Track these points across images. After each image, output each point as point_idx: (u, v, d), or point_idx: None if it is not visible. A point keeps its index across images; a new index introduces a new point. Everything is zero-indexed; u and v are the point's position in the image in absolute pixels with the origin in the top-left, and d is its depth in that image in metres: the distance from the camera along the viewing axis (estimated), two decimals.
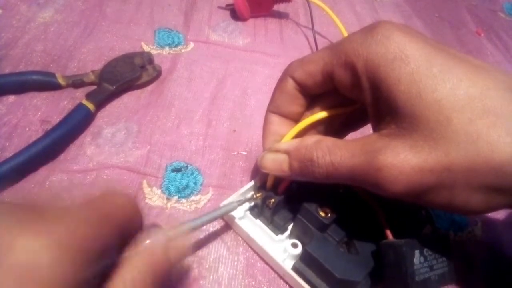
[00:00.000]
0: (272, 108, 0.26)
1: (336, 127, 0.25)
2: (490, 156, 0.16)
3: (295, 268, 0.25)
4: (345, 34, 0.44)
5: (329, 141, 0.21)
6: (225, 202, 0.27)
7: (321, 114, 0.24)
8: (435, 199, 0.18)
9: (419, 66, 0.18)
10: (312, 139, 0.22)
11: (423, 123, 0.17)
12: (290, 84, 0.24)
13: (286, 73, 0.24)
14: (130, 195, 0.18)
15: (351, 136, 0.26)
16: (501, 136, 0.16)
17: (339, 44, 0.21)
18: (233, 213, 0.26)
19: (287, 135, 0.25)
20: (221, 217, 0.28)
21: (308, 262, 0.24)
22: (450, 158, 0.17)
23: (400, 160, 0.18)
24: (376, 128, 0.21)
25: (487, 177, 0.17)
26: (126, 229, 0.17)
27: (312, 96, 0.24)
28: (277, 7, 0.49)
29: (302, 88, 0.24)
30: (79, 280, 0.13)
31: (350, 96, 0.22)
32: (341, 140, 0.21)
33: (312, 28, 0.46)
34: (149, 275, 0.16)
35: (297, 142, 0.23)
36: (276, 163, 0.23)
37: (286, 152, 0.23)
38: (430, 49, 0.18)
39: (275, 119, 0.26)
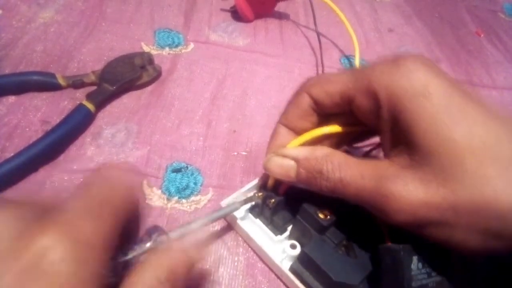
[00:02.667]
0: (283, 121, 0.25)
1: (339, 142, 0.25)
2: (494, 202, 0.17)
3: (292, 269, 0.25)
4: (351, 31, 0.43)
5: (341, 157, 0.21)
6: (226, 201, 0.28)
7: (332, 128, 0.24)
8: (434, 234, 0.19)
9: (440, 104, 0.18)
10: (323, 151, 0.22)
11: (436, 160, 0.18)
12: (306, 100, 0.24)
13: (303, 88, 0.24)
14: (128, 177, 0.18)
15: None
16: (506, 185, 0.17)
17: (362, 70, 0.22)
18: (235, 214, 0.26)
19: (293, 141, 0.24)
20: (223, 217, 0.28)
21: (305, 264, 0.24)
22: (456, 198, 0.18)
23: (408, 191, 0.19)
24: (387, 154, 0.21)
25: (489, 221, 0.17)
26: (128, 215, 0.17)
27: (324, 115, 0.25)
28: (278, 7, 0.49)
29: (317, 106, 0.24)
30: (92, 275, 0.14)
31: (365, 121, 0.22)
32: (352, 158, 0.22)
33: (315, 25, 0.46)
34: (168, 282, 0.17)
35: (308, 152, 0.22)
36: (283, 168, 0.23)
37: (295, 159, 0.23)
38: (451, 88, 0.19)
39: (283, 131, 0.25)
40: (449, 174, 0.18)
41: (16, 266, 0.12)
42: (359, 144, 0.27)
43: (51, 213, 0.14)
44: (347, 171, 0.21)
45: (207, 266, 0.26)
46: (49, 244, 0.13)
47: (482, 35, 0.56)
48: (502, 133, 0.18)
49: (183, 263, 0.18)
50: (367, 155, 0.27)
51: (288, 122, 0.25)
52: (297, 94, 0.25)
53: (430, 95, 0.18)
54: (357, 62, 0.42)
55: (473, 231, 0.18)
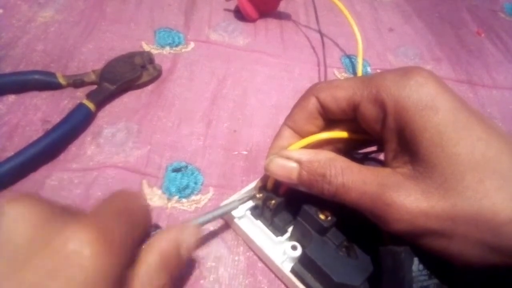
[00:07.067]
0: (289, 122, 0.25)
1: (340, 148, 0.25)
2: (491, 215, 0.17)
3: (293, 271, 0.25)
4: (356, 31, 0.43)
5: (344, 162, 0.22)
6: (226, 202, 0.27)
7: (335, 134, 0.24)
8: (431, 244, 0.19)
9: (446, 119, 0.19)
10: (327, 155, 0.22)
11: (439, 172, 0.18)
12: (313, 103, 0.24)
13: (311, 92, 0.24)
14: (139, 195, 0.20)
15: None
16: (504, 199, 0.17)
17: (371, 78, 0.22)
18: (233, 213, 0.26)
19: (295, 144, 0.24)
20: (222, 217, 0.28)
21: (306, 265, 0.24)
22: (455, 210, 0.18)
23: (410, 201, 0.19)
24: (389, 163, 0.21)
25: (486, 234, 0.18)
26: (145, 224, 0.19)
27: (329, 120, 0.25)
28: (278, 6, 0.49)
29: (324, 110, 0.24)
30: (115, 271, 0.15)
31: (368, 129, 0.23)
32: (354, 164, 0.22)
33: (318, 24, 0.46)
34: (162, 268, 0.18)
35: (311, 154, 0.23)
36: (285, 170, 0.23)
37: (298, 161, 0.23)
38: (457, 103, 0.19)
39: (288, 134, 0.25)
40: (451, 187, 0.18)
41: (53, 259, 0.14)
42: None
43: (82, 214, 0.16)
44: (350, 176, 0.21)
45: (207, 266, 0.26)
46: (84, 240, 0.14)
47: (482, 35, 0.56)
48: (503, 148, 0.18)
49: (172, 245, 0.19)
50: (365, 158, 0.27)
51: (293, 124, 0.25)
52: (305, 97, 0.25)
53: (438, 109, 0.19)
54: (360, 61, 0.42)
55: (469, 243, 0.18)
